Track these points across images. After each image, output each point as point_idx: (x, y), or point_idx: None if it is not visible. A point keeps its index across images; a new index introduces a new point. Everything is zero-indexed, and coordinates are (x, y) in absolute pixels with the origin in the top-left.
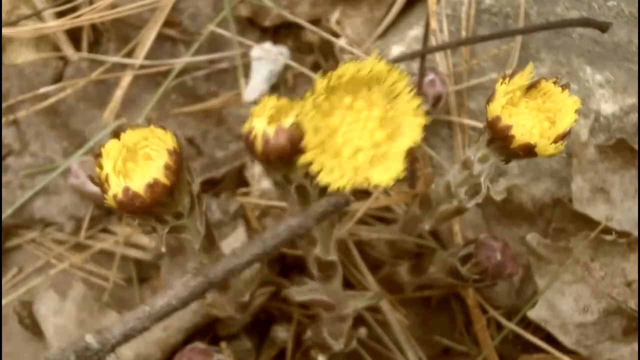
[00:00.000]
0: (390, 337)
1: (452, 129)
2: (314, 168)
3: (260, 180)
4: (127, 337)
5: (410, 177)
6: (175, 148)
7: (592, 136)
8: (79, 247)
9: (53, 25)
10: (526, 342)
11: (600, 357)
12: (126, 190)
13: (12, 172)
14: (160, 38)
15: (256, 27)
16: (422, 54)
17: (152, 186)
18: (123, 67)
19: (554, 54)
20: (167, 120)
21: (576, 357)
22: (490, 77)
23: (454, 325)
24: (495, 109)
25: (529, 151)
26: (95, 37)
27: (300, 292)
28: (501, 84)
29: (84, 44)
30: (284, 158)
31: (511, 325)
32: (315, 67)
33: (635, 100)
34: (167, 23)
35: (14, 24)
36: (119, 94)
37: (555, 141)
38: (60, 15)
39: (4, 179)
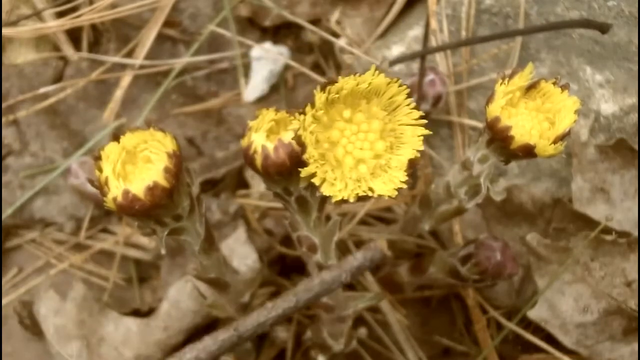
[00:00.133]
0: (390, 337)
1: (452, 129)
2: (316, 181)
3: (260, 181)
4: None
5: (410, 177)
6: (175, 151)
7: (592, 136)
8: (79, 247)
9: (53, 25)
10: (526, 342)
11: (600, 357)
12: (126, 193)
13: (12, 172)
14: (160, 38)
15: (256, 27)
16: (422, 54)
17: (152, 189)
18: (123, 67)
19: (554, 54)
20: (167, 120)
21: (576, 357)
22: (490, 77)
23: (454, 325)
24: (494, 109)
25: (528, 152)
26: (95, 37)
27: None
28: (500, 84)
29: (84, 44)
30: (284, 172)
31: (511, 325)
32: (315, 67)
33: (635, 100)
34: (167, 23)
35: (14, 24)
36: (119, 94)
37: (554, 142)
38: (60, 15)
39: (4, 179)
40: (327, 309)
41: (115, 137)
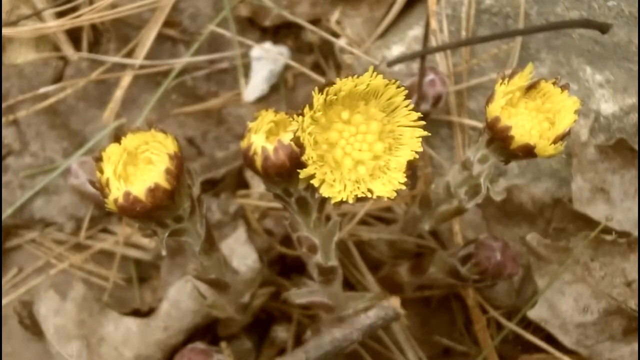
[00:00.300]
0: (390, 337)
1: (452, 129)
2: (315, 182)
3: (260, 181)
4: None
5: (410, 177)
6: (176, 152)
7: (592, 136)
8: (79, 247)
9: (53, 25)
10: (526, 342)
11: (600, 357)
12: (127, 194)
13: (12, 172)
14: (160, 38)
15: (256, 27)
16: (422, 54)
17: (153, 191)
18: (123, 67)
19: (554, 54)
20: (167, 120)
21: (576, 357)
22: (490, 77)
23: (454, 325)
24: (494, 109)
25: (528, 152)
26: (95, 37)
27: (300, 295)
28: (500, 84)
29: (84, 44)
30: (284, 173)
31: (511, 325)
32: (315, 67)
33: (635, 100)
34: (167, 23)
35: (14, 24)
36: (119, 94)
37: (554, 142)
38: (60, 15)
39: (4, 179)
40: (327, 309)
41: (116, 138)
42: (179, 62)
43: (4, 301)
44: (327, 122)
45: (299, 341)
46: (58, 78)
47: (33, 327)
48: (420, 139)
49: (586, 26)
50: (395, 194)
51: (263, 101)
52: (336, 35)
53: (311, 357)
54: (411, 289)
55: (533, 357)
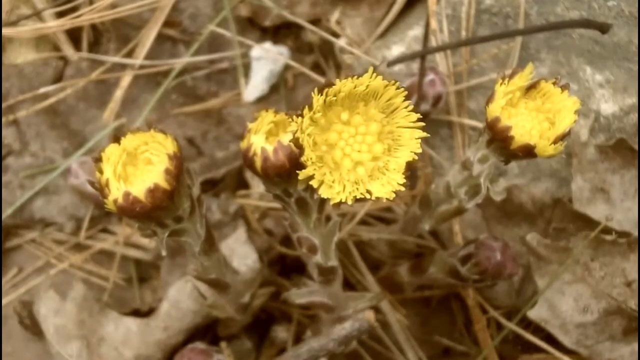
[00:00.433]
0: (390, 337)
1: (452, 129)
2: (314, 183)
3: (259, 182)
4: None
5: (410, 177)
6: (175, 152)
7: (592, 136)
8: (79, 247)
9: (53, 25)
10: (526, 342)
11: (600, 357)
12: (127, 195)
13: (12, 172)
14: (160, 38)
15: (256, 27)
16: (422, 54)
17: (153, 191)
18: (123, 67)
19: (554, 54)
20: (167, 120)
21: (576, 357)
22: (490, 77)
23: (454, 325)
24: (494, 109)
25: (528, 152)
26: (95, 37)
27: (300, 295)
28: (500, 84)
29: (84, 44)
30: (284, 174)
31: (511, 325)
32: (315, 67)
33: (635, 100)
34: (167, 23)
35: (14, 24)
36: (119, 94)
37: (554, 142)
38: (60, 15)
39: (4, 179)
40: (327, 309)
41: (116, 138)
42: (179, 62)
43: (4, 301)
44: (326, 123)
45: (299, 341)
46: (58, 78)
47: (33, 327)
48: (420, 140)
49: (586, 26)
50: (394, 195)
51: (263, 101)
52: (336, 35)
53: None
54: (411, 289)
55: (533, 357)
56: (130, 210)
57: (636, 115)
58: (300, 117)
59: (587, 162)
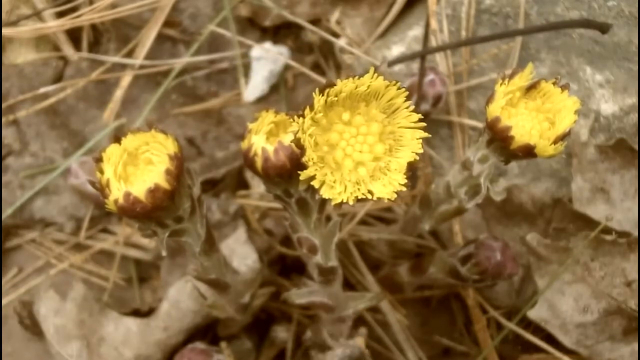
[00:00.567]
0: (390, 337)
1: (452, 129)
2: (315, 183)
3: (260, 181)
4: None
5: (410, 177)
6: (176, 153)
7: (592, 136)
8: (79, 247)
9: (53, 25)
10: (526, 342)
11: (600, 357)
12: (127, 195)
13: (12, 172)
14: (160, 38)
15: (256, 27)
16: (422, 54)
17: (153, 191)
18: (123, 67)
19: (554, 54)
20: (167, 120)
21: (576, 357)
22: (490, 77)
23: (454, 325)
24: (494, 109)
25: (528, 152)
26: (95, 37)
27: (300, 295)
28: (500, 84)
29: (84, 44)
30: (284, 174)
31: (511, 325)
32: (315, 67)
33: (635, 100)
34: (167, 23)
35: (14, 24)
36: (119, 94)
37: (554, 142)
38: (60, 15)
39: (4, 179)
40: (327, 309)
41: (117, 138)
42: (179, 62)
43: (4, 301)
44: (327, 124)
45: (299, 341)
46: (58, 78)
47: (33, 327)
48: (421, 141)
49: (586, 26)
50: (395, 196)
51: (263, 101)
52: (336, 35)
53: None
54: (411, 289)
55: (533, 357)
56: (131, 211)
57: (636, 115)
58: (301, 118)
59: (587, 162)
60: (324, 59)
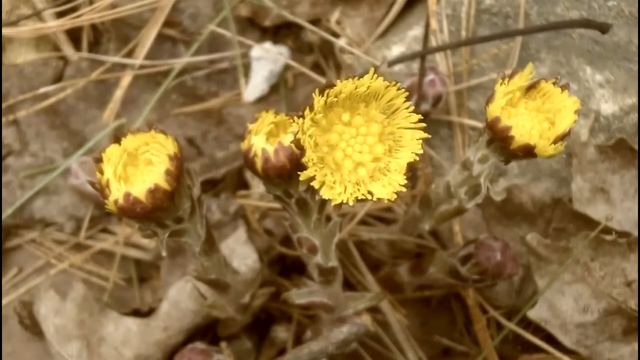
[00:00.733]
0: (390, 337)
1: (452, 129)
2: (315, 184)
3: (260, 182)
4: None
5: (410, 177)
6: (176, 153)
7: (592, 136)
8: (79, 247)
9: (53, 25)
10: (526, 342)
11: (600, 357)
12: (127, 195)
13: (12, 172)
14: (160, 38)
15: (256, 27)
16: (422, 54)
17: (153, 192)
18: (123, 67)
19: (554, 54)
20: (167, 120)
21: (576, 357)
22: (490, 77)
23: (454, 325)
24: (494, 109)
25: (528, 152)
26: (95, 37)
27: (300, 295)
28: (500, 84)
29: (84, 44)
30: (284, 175)
31: (511, 325)
32: (315, 67)
33: (635, 100)
34: (167, 23)
35: (14, 24)
36: (119, 94)
37: (554, 142)
38: (60, 15)
39: (4, 179)
40: (327, 309)
41: (117, 138)
42: (179, 62)
43: (4, 301)
44: (327, 124)
45: (299, 341)
46: (58, 78)
47: (33, 327)
48: (421, 141)
49: (586, 26)
50: (395, 196)
51: (263, 101)
52: (336, 35)
53: None
54: (411, 289)
55: (533, 357)
56: (131, 211)
57: (636, 115)
58: (301, 118)
59: (587, 162)
60: (324, 59)
